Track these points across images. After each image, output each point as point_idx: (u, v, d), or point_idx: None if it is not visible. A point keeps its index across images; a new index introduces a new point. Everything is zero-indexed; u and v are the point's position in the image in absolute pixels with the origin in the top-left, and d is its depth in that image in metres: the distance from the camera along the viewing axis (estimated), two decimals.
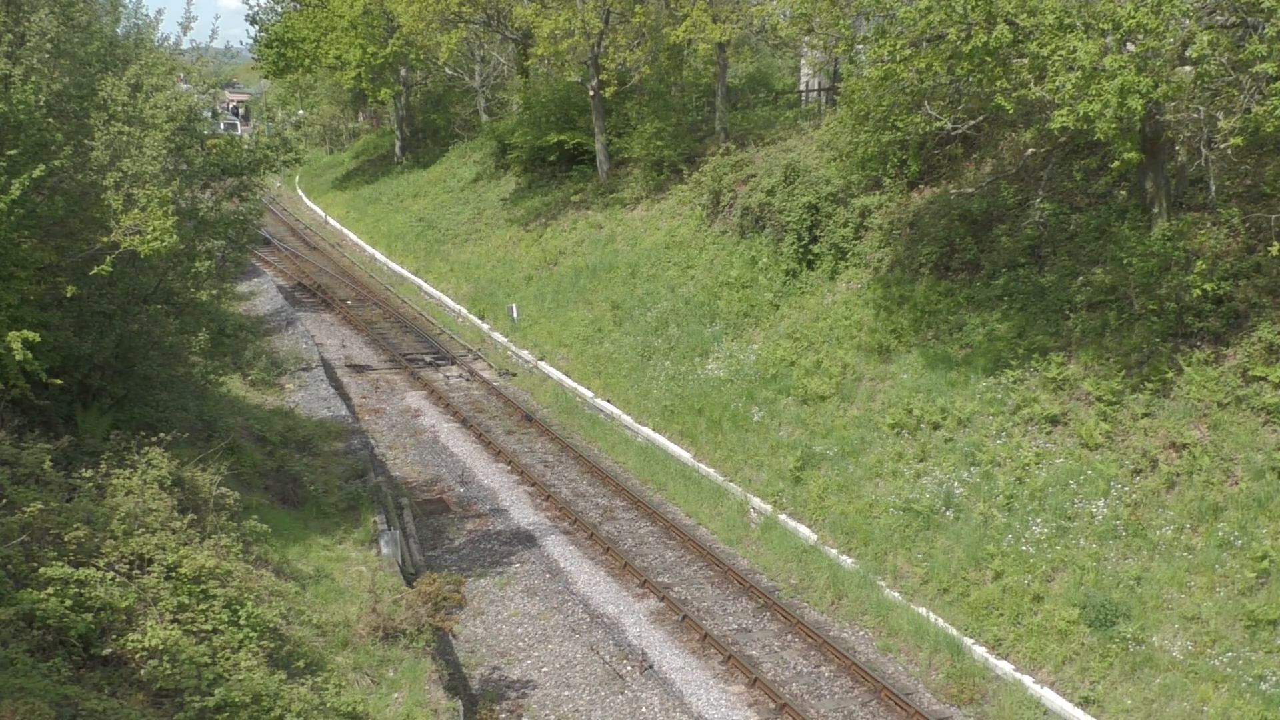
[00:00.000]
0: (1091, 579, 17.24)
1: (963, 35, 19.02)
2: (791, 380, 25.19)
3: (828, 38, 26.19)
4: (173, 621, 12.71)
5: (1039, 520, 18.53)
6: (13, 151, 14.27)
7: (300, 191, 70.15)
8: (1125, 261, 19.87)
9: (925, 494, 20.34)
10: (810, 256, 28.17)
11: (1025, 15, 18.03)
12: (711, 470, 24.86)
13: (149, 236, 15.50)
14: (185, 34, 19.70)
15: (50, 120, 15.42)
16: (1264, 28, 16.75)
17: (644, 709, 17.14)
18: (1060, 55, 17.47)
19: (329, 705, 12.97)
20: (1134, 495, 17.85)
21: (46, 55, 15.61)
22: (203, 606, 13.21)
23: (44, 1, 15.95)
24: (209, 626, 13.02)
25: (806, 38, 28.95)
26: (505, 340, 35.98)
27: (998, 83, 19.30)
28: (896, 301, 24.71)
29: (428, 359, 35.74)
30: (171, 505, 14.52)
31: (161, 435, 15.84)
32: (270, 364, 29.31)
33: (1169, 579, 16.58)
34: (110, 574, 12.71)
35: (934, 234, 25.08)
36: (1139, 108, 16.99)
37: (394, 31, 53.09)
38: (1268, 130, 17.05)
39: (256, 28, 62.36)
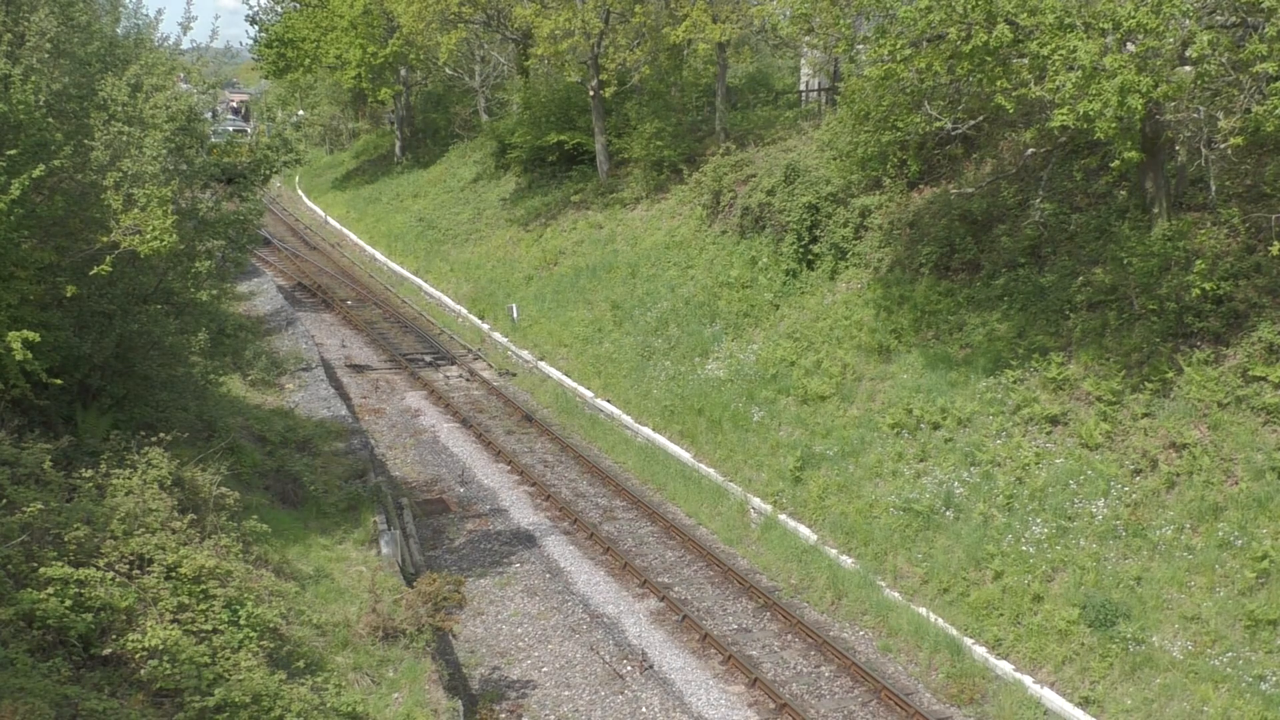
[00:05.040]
0: (1091, 579, 17.24)
1: (963, 35, 19.02)
2: (791, 380, 25.19)
3: (828, 38, 26.17)
4: (173, 621, 12.71)
5: (1039, 520, 18.53)
6: (13, 151, 14.26)
7: (300, 191, 70.16)
8: (1125, 261, 19.88)
9: (925, 494, 20.34)
10: (810, 256, 28.18)
11: (1025, 15, 18.03)
12: (711, 470, 24.86)
13: (149, 236, 15.50)
14: (185, 34, 19.70)
15: (50, 120, 15.41)
16: (1264, 28, 16.75)
17: (644, 709, 17.14)
18: (1060, 55, 17.47)
19: (329, 705, 12.98)
20: (1134, 495, 17.85)
21: (46, 55, 15.61)
22: (203, 606, 13.20)
23: (44, 1, 15.94)
24: (209, 626, 13.01)
25: (806, 38, 28.92)
26: (505, 340, 35.98)
27: (998, 82, 19.29)
28: (896, 301, 24.71)
29: (428, 359, 35.75)
30: (171, 505, 14.51)
31: (161, 435, 15.83)
32: (270, 364, 29.29)
33: (1169, 579, 16.58)
34: (110, 574, 12.70)
35: (934, 234, 25.08)
36: (1139, 107, 17.00)
37: (394, 31, 53.09)
38: (1268, 130, 17.04)
39: (256, 28, 62.39)
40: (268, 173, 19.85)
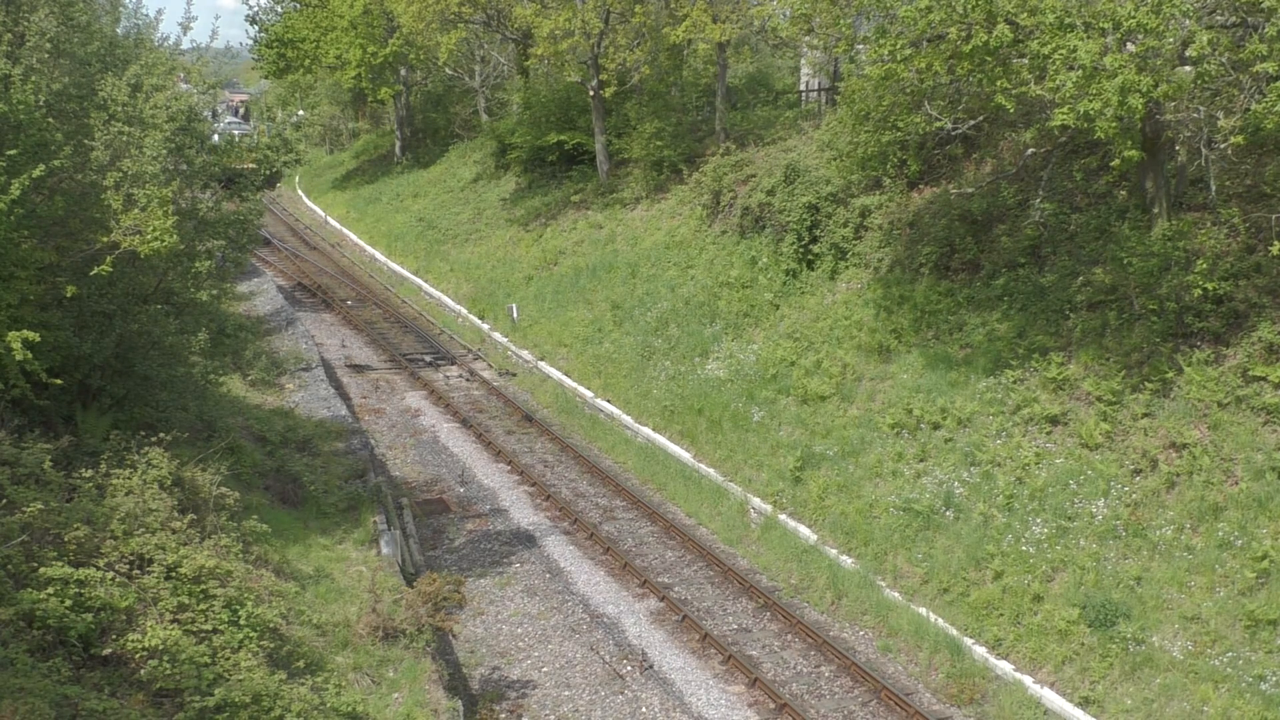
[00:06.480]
0: (1091, 579, 17.24)
1: (963, 35, 19.03)
2: (791, 380, 25.18)
3: (828, 38, 26.21)
4: (173, 621, 12.72)
5: (1039, 520, 18.52)
6: (13, 151, 14.27)
7: (300, 191, 70.16)
8: (1125, 261, 19.87)
9: (925, 494, 20.34)
10: (810, 256, 28.17)
11: (1025, 15, 18.03)
12: (711, 470, 24.86)
13: (149, 236, 15.51)
14: (185, 34, 19.70)
15: (50, 120, 15.41)
16: (1264, 27, 16.76)
17: (644, 709, 17.14)
18: (1061, 54, 17.47)
19: (329, 705, 12.98)
20: (1134, 495, 17.85)
21: (46, 55, 15.62)
22: (203, 606, 13.21)
23: (44, 1, 15.95)
24: (209, 626, 13.02)
25: (806, 38, 28.94)
26: (505, 340, 35.98)
27: (998, 82, 19.29)
28: (896, 301, 24.71)
29: (428, 359, 35.74)
30: (171, 505, 14.53)
31: (161, 435, 15.85)
32: (270, 364, 29.31)
33: (1169, 579, 16.58)
34: (110, 574, 12.71)
35: (934, 234, 25.08)
36: (1139, 106, 17.00)
37: (394, 31, 53.12)
38: (1268, 128, 17.05)
39: (256, 28, 62.35)
40: (269, 172, 19.86)
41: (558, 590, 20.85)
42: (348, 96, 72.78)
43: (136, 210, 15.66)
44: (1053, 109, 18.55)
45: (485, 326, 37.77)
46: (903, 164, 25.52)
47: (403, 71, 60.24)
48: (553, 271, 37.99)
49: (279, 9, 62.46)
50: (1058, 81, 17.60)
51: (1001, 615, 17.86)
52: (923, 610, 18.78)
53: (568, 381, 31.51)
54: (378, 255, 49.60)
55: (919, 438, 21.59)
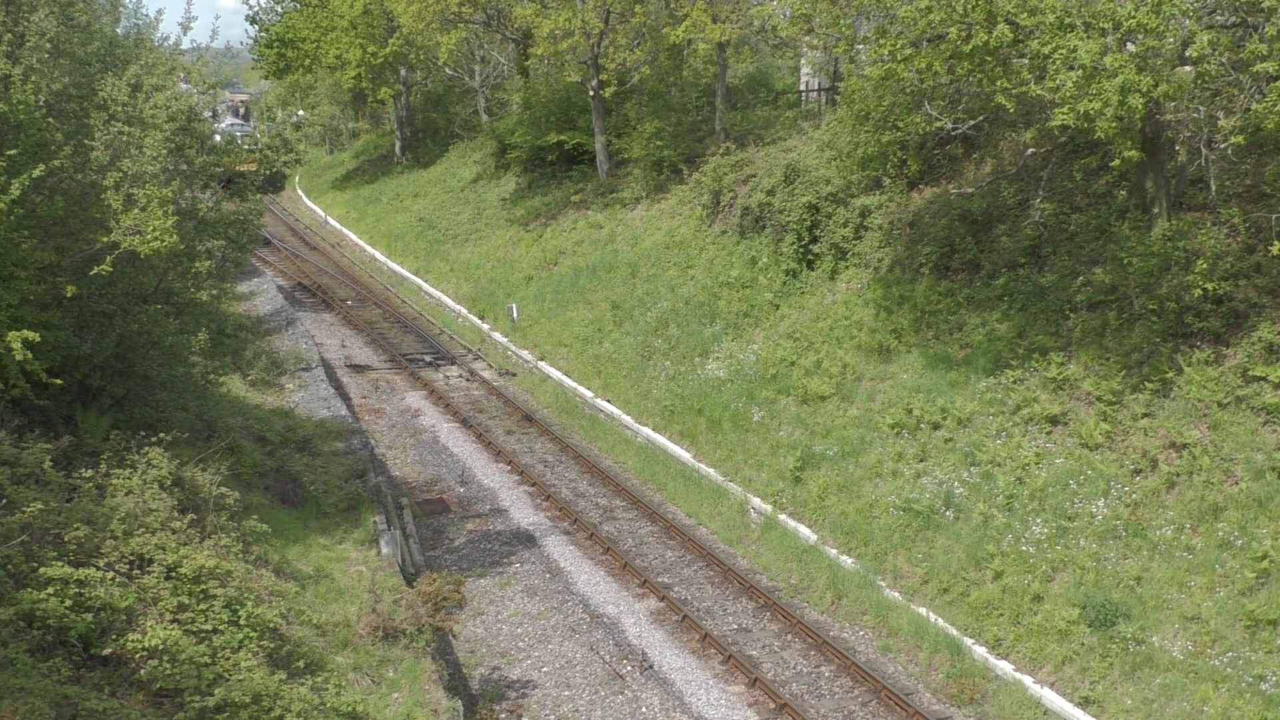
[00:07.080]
0: (1091, 579, 17.24)
1: (963, 35, 19.03)
2: (791, 380, 25.19)
3: (828, 38, 26.19)
4: (173, 621, 12.72)
5: (1039, 520, 18.53)
6: (13, 151, 14.27)
7: (300, 191, 70.13)
8: (1125, 261, 19.88)
9: (925, 494, 20.34)
10: (810, 256, 28.17)
11: (1025, 15, 18.03)
12: (711, 470, 24.86)
13: (149, 236, 15.51)
14: (185, 34, 19.71)
15: (50, 120, 15.42)
16: (1264, 27, 16.76)
17: (644, 709, 17.14)
18: (1061, 54, 17.47)
19: (329, 705, 12.98)
20: (1134, 495, 17.86)
21: (46, 55, 15.62)
22: (203, 606, 13.22)
23: (44, 1, 15.95)
24: (209, 626, 13.03)
25: (806, 38, 28.91)
26: (505, 340, 35.98)
27: (998, 82, 19.30)
28: (896, 301, 24.71)
29: (428, 359, 35.74)
30: (171, 505, 14.53)
31: (161, 435, 15.85)
32: (270, 364, 29.30)
33: (1169, 579, 16.58)
34: (110, 574, 12.71)
35: (934, 234, 25.08)
36: (1139, 106, 17.00)
37: (394, 31, 53.10)
38: (1268, 128, 17.05)
39: (256, 28, 62.33)
40: (269, 172, 19.88)
41: (558, 590, 20.85)
42: (348, 96, 72.75)
43: (136, 210, 15.67)
44: (1053, 109, 18.55)
45: (485, 326, 37.78)
46: (903, 164, 25.51)
47: (403, 71, 60.23)
48: (553, 271, 38.00)
49: (279, 9, 62.44)
50: (1058, 81, 17.60)
51: (1001, 615, 17.86)
52: (923, 610, 18.78)
53: (568, 381, 31.51)
54: (378, 255, 49.60)
55: (919, 438, 21.60)
